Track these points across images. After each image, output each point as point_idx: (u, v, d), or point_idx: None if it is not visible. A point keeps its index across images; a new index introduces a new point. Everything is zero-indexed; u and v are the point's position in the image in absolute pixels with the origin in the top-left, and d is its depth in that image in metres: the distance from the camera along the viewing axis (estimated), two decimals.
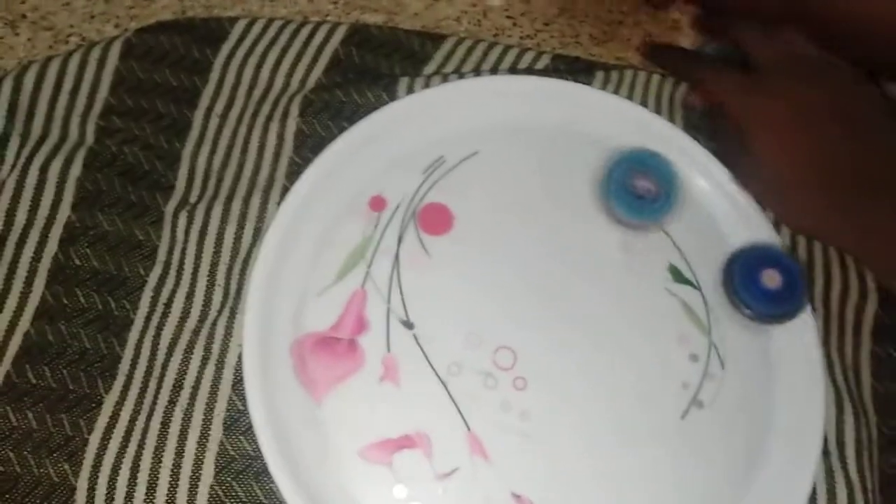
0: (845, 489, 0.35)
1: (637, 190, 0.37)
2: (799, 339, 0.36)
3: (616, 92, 0.41)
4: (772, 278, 0.36)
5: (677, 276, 0.37)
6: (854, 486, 0.35)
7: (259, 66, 0.41)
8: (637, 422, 0.34)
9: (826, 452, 0.35)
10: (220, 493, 0.32)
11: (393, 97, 0.39)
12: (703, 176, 0.39)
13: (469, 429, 0.34)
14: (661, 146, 0.39)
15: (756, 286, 0.36)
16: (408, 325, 0.35)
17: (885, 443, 0.36)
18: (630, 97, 0.42)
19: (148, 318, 0.35)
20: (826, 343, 0.38)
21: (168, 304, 0.36)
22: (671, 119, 0.41)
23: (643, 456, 0.34)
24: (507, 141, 0.39)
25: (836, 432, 0.36)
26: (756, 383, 0.36)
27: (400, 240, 0.37)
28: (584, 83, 0.40)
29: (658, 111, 0.41)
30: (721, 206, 0.39)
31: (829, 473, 0.35)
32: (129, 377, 0.34)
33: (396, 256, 0.36)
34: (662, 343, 0.36)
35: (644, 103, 0.41)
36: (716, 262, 0.38)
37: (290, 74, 0.41)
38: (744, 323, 0.37)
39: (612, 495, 0.33)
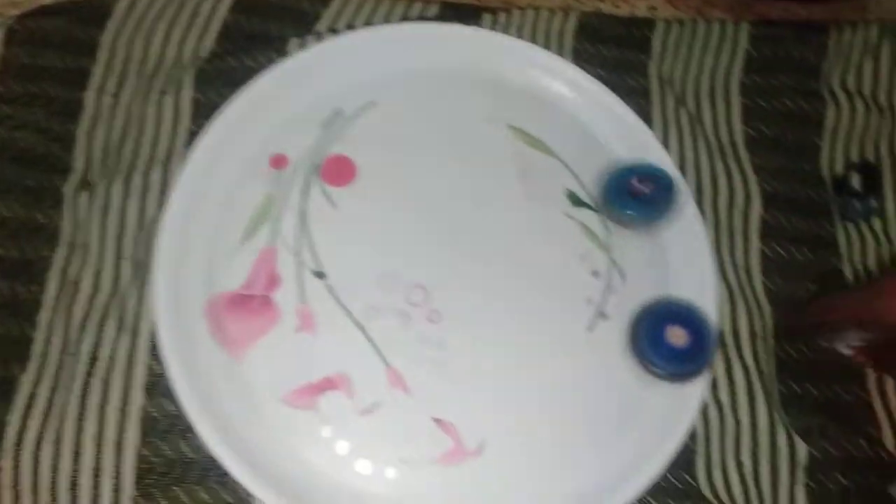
0: (742, 373, 0.37)
1: (635, 190, 0.37)
2: (692, 246, 0.38)
3: (505, 32, 0.43)
4: (678, 336, 0.35)
5: (575, 200, 0.39)
6: (750, 370, 0.37)
7: (148, 41, 0.41)
8: (547, 338, 0.36)
9: (723, 344, 0.38)
10: (147, 454, 0.33)
11: (285, 57, 0.40)
12: (592, 102, 0.40)
13: (388, 365, 0.35)
14: (552, 79, 0.41)
15: (662, 344, 0.35)
16: (320, 275, 0.36)
17: (780, 332, 0.39)
18: (520, 36, 0.43)
19: (57, 299, 0.35)
20: (717, 247, 0.40)
21: (77, 283, 0.36)
22: (560, 53, 0.42)
23: (555, 369, 0.36)
24: (403, 88, 0.40)
25: (730, 324, 0.38)
26: (655, 291, 0.38)
27: (305, 195, 0.37)
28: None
29: (547, 47, 0.42)
30: (613, 130, 0.40)
31: (727, 361, 0.37)
32: (44, 356, 0.34)
33: (303, 211, 0.37)
34: (565, 263, 0.38)
35: (533, 40, 0.43)
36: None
37: (180, 46, 0.41)
38: (641, 238, 0.39)
39: (528, 407, 0.35)
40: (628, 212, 0.38)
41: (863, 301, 0.36)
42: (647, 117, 0.41)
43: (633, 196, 0.38)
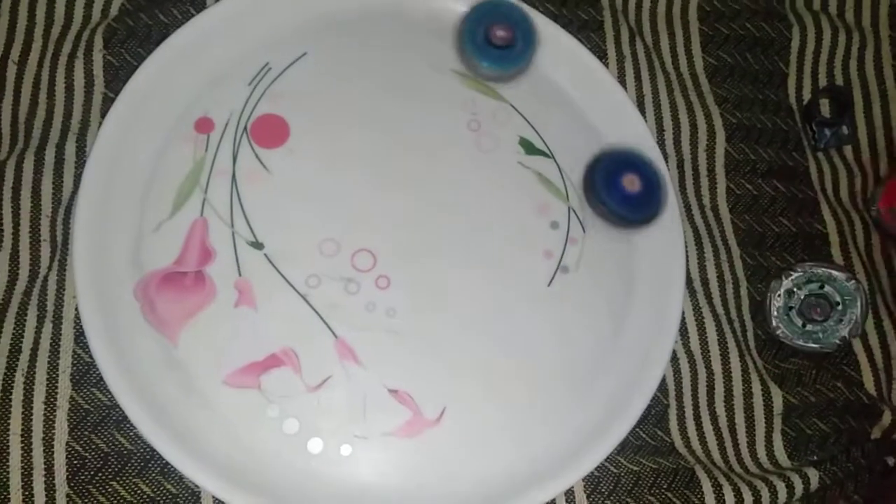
0: (713, 322, 0.35)
1: (495, 40, 0.35)
2: None
3: None
4: (632, 182, 0.35)
5: (529, 148, 0.36)
6: (721, 318, 0.36)
7: (52, 2, 0.37)
8: (505, 297, 0.34)
9: (692, 291, 0.36)
10: (78, 448, 0.30)
11: (202, 9, 0.36)
12: (544, 43, 0.37)
13: (336, 336, 0.33)
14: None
15: (617, 190, 0.35)
16: (257, 245, 0.34)
17: (751, 272, 0.37)
18: None
19: None
20: (682, 187, 0.38)
21: None
22: None
23: (515, 329, 0.34)
24: (334, 36, 0.37)
25: (699, 270, 0.36)
26: (618, 239, 0.35)
27: (234, 159, 0.34)
28: None
29: None
30: (564, 68, 0.38)
31: (697, 309, 0.35)
32: None
33: (233, 177, 0.34)
34: (522, 216, 0.35)
35: None
36: (566, 128, 0.37)
37: (89, 6, 0.37)
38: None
39: (489, 371, 0.33)
40: (484, 64, 0.35)
41: None
42: (600, 52, 0.39)
43: (492, 45, 0.35)
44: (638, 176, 0.35)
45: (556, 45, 0.37)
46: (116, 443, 0.31)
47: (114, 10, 0.37)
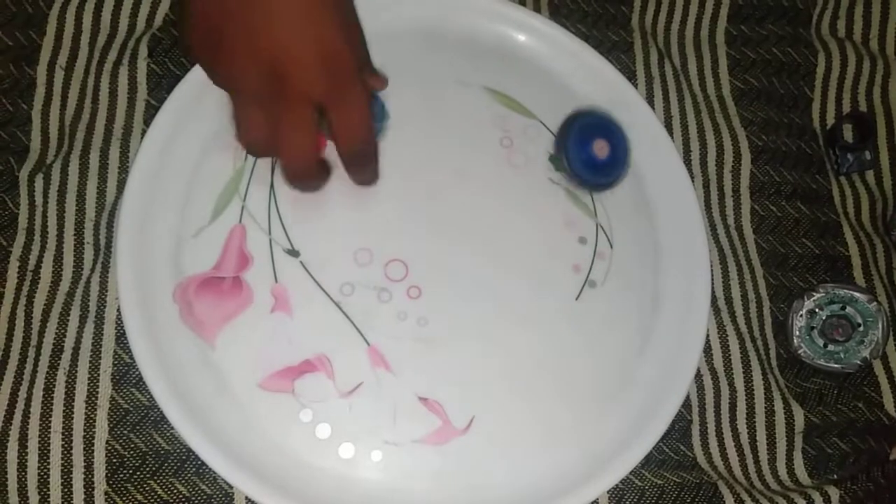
0: (737, 340, 0.36)
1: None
2: (682, 207, 0.37)
3: None
4: (601, 149, 0.36)
5: (558, 164, 0.37)
6: (744, 337, 0.36)
7: (98, 10, 0.38)
8: (533, 310, 0.35)
9: (716, 309, 0.36)
10: (117, 447, 0.31)
11: None
12: (571, 60, 0.38)
13: (368, 344, 0.33)
14: (528, 36, 0.39)
15: (589, 157, 0.36)
16: (293, 253, 0.34)
17: (774, 292, 0.38)
18: None
19: (18, 289, 0.34)
20: (708, 207, 0.38)
21: (37, 271, 0.34)
22: (536, 8, 0.40)
23: (542, 342, 0.34)
24: (373, 50, 0.38)
25: (723, 289, 0.37)
26: (644, 256, 0.36)
27: (273, 168, 0.35)
28: None
29: (522, 2, 0.40)
30: (594, 88, 0.38)
31: (721, 328, 0.36)
32: (7, 350, 0.33)
33: (271, 186, 0.35)
34: (550, 230, 0.36)
35: None
36: None
37: (133, 15, 0.38)
38: (628, 201, 0.37)
39: (517, 382, 0.34)
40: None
41: None
42: (630, 73, 0.39)
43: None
44: (607, 142, 0.36)
45: (586, 64, 0.38)
46: (154, 442, 0.32)
47: (158, 20, 0.38)
